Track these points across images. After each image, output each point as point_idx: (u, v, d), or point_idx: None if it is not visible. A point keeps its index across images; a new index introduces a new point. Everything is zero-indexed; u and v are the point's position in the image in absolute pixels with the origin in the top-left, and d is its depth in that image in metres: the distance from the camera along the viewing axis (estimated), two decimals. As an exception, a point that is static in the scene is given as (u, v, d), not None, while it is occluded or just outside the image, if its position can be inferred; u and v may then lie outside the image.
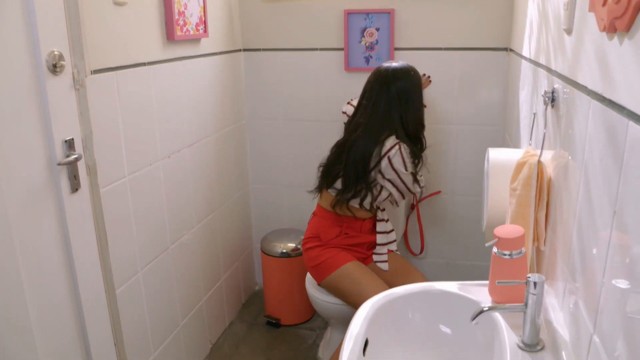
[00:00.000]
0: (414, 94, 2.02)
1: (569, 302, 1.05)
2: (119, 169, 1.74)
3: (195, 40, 2.20)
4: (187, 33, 2.07)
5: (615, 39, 0.81)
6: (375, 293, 1.39)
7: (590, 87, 0.96)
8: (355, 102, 2.16)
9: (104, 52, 1.63)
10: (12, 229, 1.29)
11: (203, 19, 2.20)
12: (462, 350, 1.27)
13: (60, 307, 1.50)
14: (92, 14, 1.55)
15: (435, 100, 2.53)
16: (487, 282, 1.31)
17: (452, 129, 2.57)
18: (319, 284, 2.12)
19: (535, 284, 1.04)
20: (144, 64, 1.84)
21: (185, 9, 2.04)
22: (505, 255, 1.18)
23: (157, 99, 1.93)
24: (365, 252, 2.15)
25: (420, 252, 2.75)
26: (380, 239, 2.15)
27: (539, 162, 1.23)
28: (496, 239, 1.20)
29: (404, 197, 2.07)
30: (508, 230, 1.20)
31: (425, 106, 2.51)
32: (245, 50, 2.68)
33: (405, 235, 2.75)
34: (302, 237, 2.28)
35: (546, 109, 1.32)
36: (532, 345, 1.08)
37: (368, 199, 2.02)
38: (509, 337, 1.11)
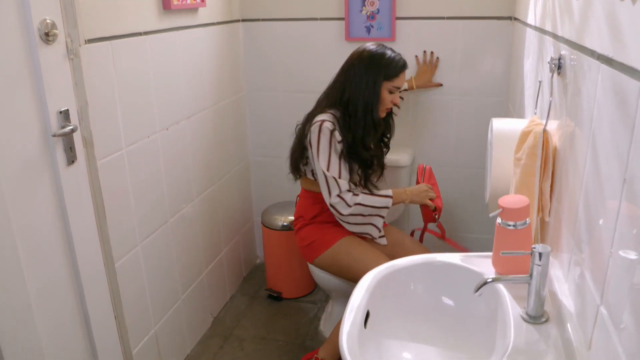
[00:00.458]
0: (362, 77, 1.88)
1: (575, 274, 1.03)
2: (116, 141, 1.71)
3: (193, 9, 2.15)
4: (184, 2, 2.02)
5: (628, -1, 0.78)
6: (374, 266, 1.37)
7: (599, 51, 0.93)
8: None
9: (98, 21, 1.59)
10: (7, 203, 1.27)
11: (200, -12, 2.15)
12: (464, 322, 1.26)
13: (59, 281, 1.49)
14: (84, -19, 1.51)
15: (437, 71, 2.48)
16: (490, 253, 1.30)
17: (454, 100, 2.53)
18: (311, 263, 2.07)
19: (540, 254, 1.02)
20: (139, 34, 1.80)
21: (182, -24, 1.99)
22: (509, 225, 1.17)
23: (153, 70, 1.89)
24: None
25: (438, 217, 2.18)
26: None
27: (545, 130, 1.20)
28: (500, 209, 1.18)
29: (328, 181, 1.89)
30: (512, 200, 1.18)
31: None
32: (244, 20, 2.63)
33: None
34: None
35: (552, 76, 1.28)
36: (536, 317, 1.07)
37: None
38: (512, 308, 1.10)
